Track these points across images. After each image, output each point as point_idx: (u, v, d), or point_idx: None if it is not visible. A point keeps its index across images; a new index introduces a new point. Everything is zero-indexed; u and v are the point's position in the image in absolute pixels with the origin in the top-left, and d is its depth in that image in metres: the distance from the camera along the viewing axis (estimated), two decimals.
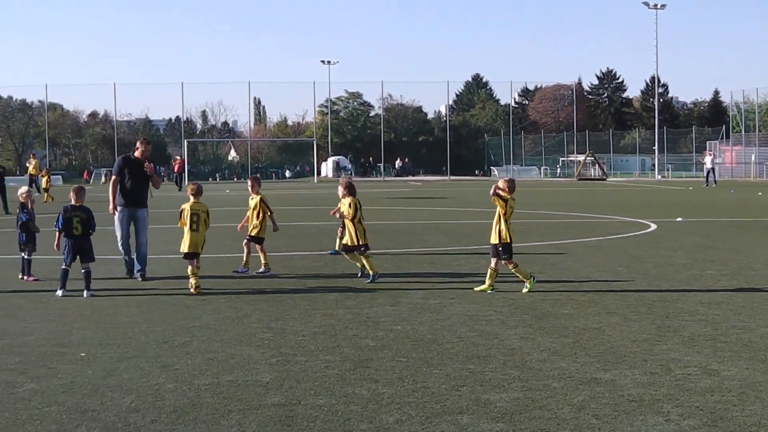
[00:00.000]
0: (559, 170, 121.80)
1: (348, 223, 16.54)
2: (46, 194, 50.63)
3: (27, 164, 56.23)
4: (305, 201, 50.47)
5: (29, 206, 17.30)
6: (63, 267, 15.41)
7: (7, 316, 13.19)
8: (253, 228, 18.08)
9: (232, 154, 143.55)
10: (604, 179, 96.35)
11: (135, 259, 17.31)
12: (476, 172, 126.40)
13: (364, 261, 16.48)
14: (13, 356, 10.46)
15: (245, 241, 17.91)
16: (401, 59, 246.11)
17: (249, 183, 18.77)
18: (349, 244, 16.50)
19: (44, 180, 54.14)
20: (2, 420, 7.86)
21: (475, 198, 50.64)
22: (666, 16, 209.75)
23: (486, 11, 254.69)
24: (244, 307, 13.66)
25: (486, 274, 15.29)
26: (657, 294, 14.67)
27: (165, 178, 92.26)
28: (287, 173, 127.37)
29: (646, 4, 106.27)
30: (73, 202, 15.79)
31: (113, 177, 17.87)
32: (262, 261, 17.73)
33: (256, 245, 17.90)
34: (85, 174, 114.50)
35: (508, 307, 13.41)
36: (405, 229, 28.32)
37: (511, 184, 15.55)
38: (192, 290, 15.10)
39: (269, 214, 18.12)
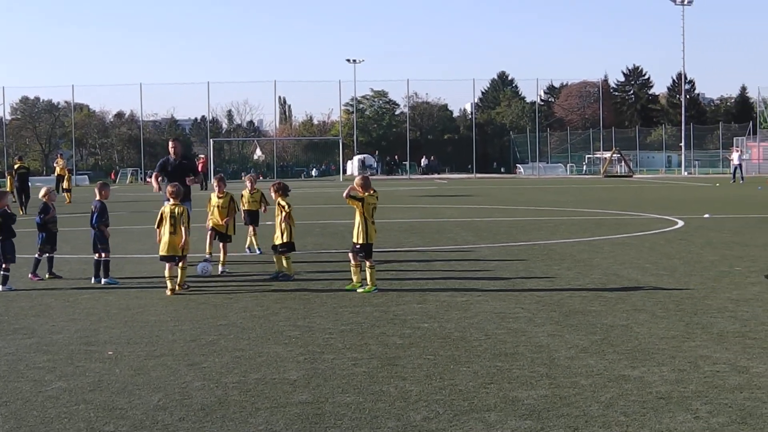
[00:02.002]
0: (585, 167, 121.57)
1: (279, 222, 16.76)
2: (67, 195, 50.25)
3: (54, 165, 56.01)
4: (331, 199, 50.46)
5: (50, 207, 17.33)
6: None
7: (36, 315, 13.25)
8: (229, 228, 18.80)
9: (258, 153, 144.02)
10: (631, 176, 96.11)
11: None
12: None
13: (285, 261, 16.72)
14: (41, 354, 10.50)
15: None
16: (427, 57, 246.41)
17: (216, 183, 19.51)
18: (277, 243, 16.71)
19: (65, 180, 52.87)
20: (31, 418, 7.88)
21: (501, 195, 50.57)
22: (693, 12, 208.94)
23: (511, 8, 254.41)
24: (271, 306, 13.66)
25: (353, 272, 15.39)
26: (685, 291, 14.59)
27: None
28: (314, 172, 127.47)
29: (673, 0, 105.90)
30: (97, 197, 16.65)
31: (155, 173, 19.94)
32: (223, 259, 18.18)
33: (223, 242, 18.46)
34: (112, 174, 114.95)
35: (536, 305, 13.37)
36: (432, 227, 28.28)
37: (365, 182, 15.54)
38: (167, 293, 15.11)
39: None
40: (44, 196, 17.41)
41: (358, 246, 15.18)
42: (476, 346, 10.61)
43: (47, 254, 17.17)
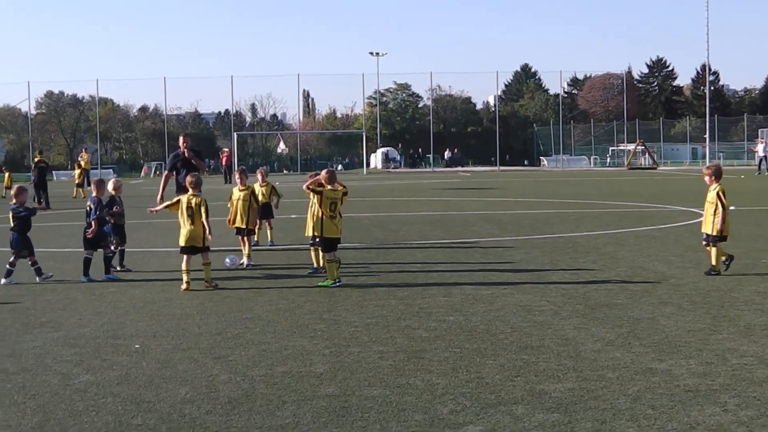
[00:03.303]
0: (609, 159, 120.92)
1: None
2: (77, 189, 49.98)
3: (79, 159, 55.78)
4: (355, 192, 50.28)
5: (117, 199, 17.20)
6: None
7: (63, 309, 13.32)
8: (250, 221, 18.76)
9: (281, 146, 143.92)
10: (655, 168, 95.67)
11: None
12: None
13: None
14: (69, 348, 10.55)
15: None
16: (450, 50, 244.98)
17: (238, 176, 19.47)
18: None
19: (77, 174, 52.33)
20: (59, 411, 7.92)
21: (525, 188, 50.49)
22: (717, 3, 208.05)
23: (534, 0, 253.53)
24: (296, 299, 13.68)
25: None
26: (711, 283, 14.54)
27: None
28: (339, 166, 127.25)
29: None
30: (94, 194, 16.68)
31: (166, 172, 20.03)
32: (246, 252, 18.15)
33: (247, 236, 18.43)
34: (145, 168, 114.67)
35: (561, 298, 13.35)
36: (456, 220, 28.26)
37: (331, 176, 15.56)
38: (183, 286, 14.94)
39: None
40: (113, 189, 17.28)
41: (317, 239, 15.43)
42: (502, 339, 10.61)
43: (120, 247, 17.21)
